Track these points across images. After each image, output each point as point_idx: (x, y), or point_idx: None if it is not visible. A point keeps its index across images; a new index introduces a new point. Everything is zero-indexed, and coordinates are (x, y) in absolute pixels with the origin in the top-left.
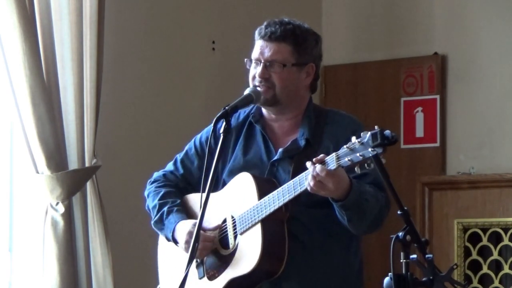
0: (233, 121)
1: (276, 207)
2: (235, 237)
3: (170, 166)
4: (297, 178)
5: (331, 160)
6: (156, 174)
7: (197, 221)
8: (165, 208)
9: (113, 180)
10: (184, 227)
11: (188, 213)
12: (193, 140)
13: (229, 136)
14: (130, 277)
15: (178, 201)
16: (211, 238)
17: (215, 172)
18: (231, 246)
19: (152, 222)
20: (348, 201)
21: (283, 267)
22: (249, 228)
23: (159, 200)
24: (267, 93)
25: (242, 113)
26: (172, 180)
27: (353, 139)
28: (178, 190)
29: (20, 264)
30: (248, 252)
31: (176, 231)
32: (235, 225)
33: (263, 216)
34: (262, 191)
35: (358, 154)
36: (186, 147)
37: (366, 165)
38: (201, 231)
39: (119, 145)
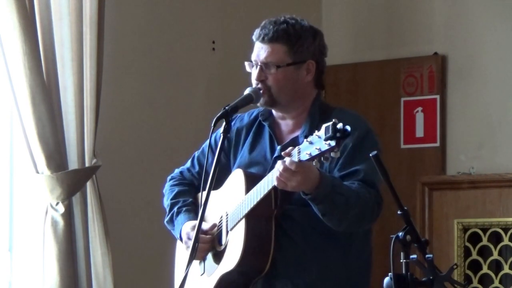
0: (246, 119)
1: (255, 202)
2: (227, 233)
3: (188, 163)
4: (270, 173)
5: (294, 154)
6: (175, 171)
7: (197, 221)
8: (175, 208)
9: (113, 180)
10: (184, 229)
11: (198, 211)
12: (209, 138)
13: (240, 133)
14: (130, 277)
15: (189, 200)
16: (207, 240)
17: (215, 172)
18: (223, 242)
19: (165, 221)
20: (318, 195)
21: (270, 263)
22: (236, 224)
23: (171, 199)
24: (265, 95)
25: (256, 111)
26: (188, 177)
27: (316, 132)
28: (192, 188)
29: (20, 264)
30: (234, 248)
31: (182, 232)
32: (228, 222)
33: (246, 211)
34: (249, 187)
35: (315, 148)
36: (203, 145)
37: (322, 158)
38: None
39: (119, 145)
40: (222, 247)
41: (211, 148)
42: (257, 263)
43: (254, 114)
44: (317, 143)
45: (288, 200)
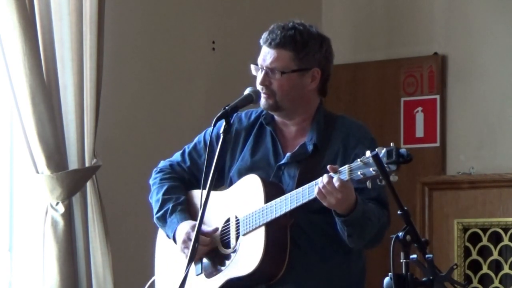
0: (244, 120)
1: (283, 212)
2: (237, 237)
3: (177, 157)
4: (306, 186)
5: (344, 172)
6: (162, 164)
7: (197, 221)
8: (169, 206)
9: (113, 180)
10: (183, 228)
11: (191, 210)
12: (203, 133)
13: (239, 134)
14: (130, 277)
15: (182, 198)
16: (207, 242)
17: (215, 173)
18: (232, 246)
19: (155, 217)
20: (351, 218)
21: (283, 271)
22: (253, 230)
23: (163, 194)
24: (269, 100)
25: (254, 112)
26: (178, 171)
27: (367, 153)
28: (183, 183)
29: (20, 264)
30: (249, 254)
31: (177, 231)
32: (238, 226)
33: (269, 219)
34: (269, 195)
35: (371, 169)
36: (195, 140)
37: (378, 180)
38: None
39: (119, 145)
40: (230, 250)
41: (205, 146)
42: (271, 270)
43: (253, 116)
44: (373, 165)
45: (300, 209)
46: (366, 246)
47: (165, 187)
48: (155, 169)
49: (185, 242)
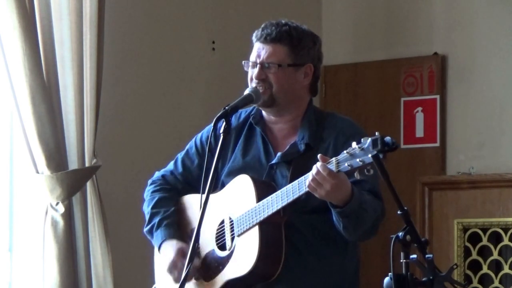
0: (234, 121)
1: (275, 210)
2: (232, 238)
3: (171, 165)
4: (296, 181)
5: (331, 164)
6: (156, 174)
7: (181, 245)
8: (156, 220)
9: (113, 180)
10: (168, 250)
11: (183, 217)
12: (194, 139)
13: (229, 136)
14: (130, 277)
15: (171, 209)
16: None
17: (215, 172)
18: (227, 247)
19: (144, 230)
20: (348, 209)
21: (280, 270)
22: (247, 230)
23: (152, 208)
24: (265, 94)
25: (243, 113)
26: (171, 181)
27: (353, 144)
28: (175, 193)
29: (20, 264)
30: (245, 254)
31: (162, 248)
32: (232, 227)
33: (261, 218)
34: (261, 194)
35: (358, 160)
36: (187, 146)
37: (365, 170)
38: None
39: (119, 145)
40: (227, 252)
41: (197, 151)
42: (268, 269)
43: (243, 117)
44: (360, 155)
45: (293, 207)
46: (361, 238)
47: (154, 200)
48: (149, 181)
49: (170, 269)
